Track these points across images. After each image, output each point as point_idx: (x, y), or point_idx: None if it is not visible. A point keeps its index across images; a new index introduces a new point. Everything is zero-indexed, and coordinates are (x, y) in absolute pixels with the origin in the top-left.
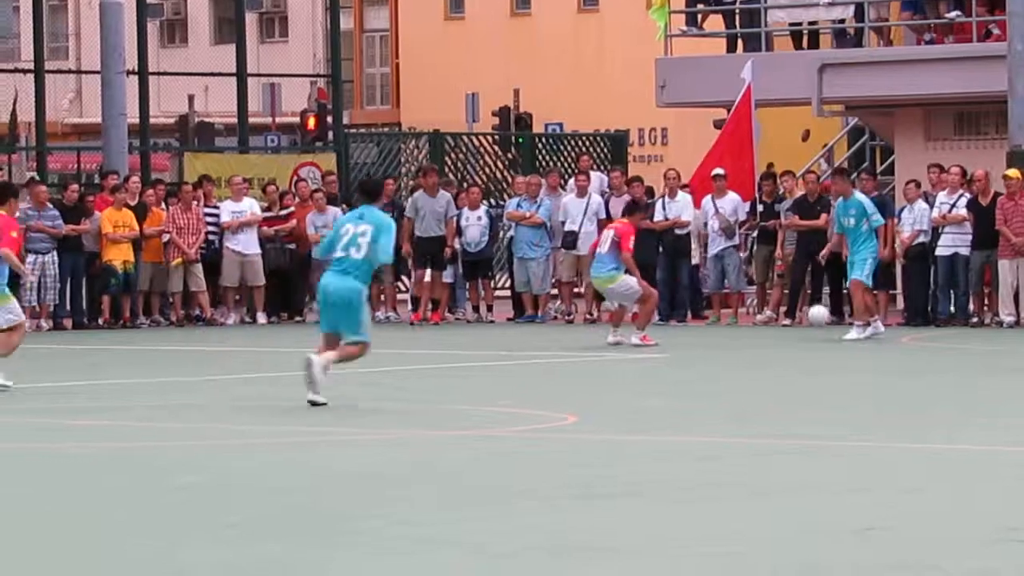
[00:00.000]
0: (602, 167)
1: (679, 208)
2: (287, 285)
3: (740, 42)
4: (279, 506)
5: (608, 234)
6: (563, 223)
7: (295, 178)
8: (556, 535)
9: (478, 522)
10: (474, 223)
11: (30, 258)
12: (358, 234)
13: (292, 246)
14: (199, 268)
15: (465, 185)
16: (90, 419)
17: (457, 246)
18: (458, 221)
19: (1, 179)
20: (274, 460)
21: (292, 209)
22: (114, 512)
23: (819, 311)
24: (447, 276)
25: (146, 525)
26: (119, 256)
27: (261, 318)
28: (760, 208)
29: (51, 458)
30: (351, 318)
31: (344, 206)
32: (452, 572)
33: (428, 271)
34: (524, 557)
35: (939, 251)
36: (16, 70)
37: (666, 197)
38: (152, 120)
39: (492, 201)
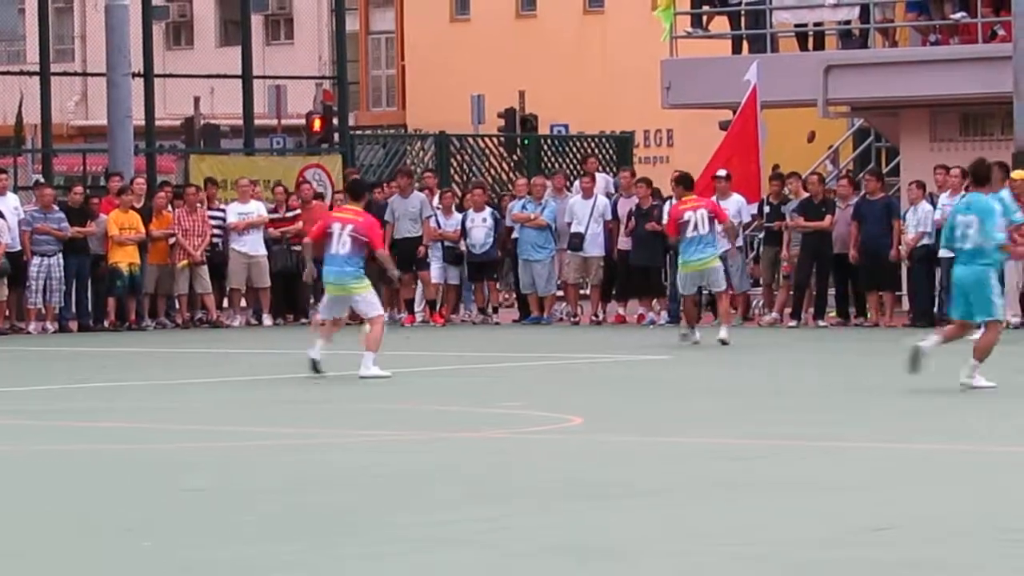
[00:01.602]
0: (608, 169)
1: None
2: (292, 287)
3: (745, 43)
4: (290, 507)
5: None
6: (569, 224)
7: (300, 180)
8: (566, 535)
9: (487, 522)
10: (479, 225)
11: (36, 260)
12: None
13: (298, 248)
14: (205, 270)
15: (470, 187)
16: (97, 421)
17: (462, 247)
18: (463, 223)
19: None
20: (285, 461)
21: (299, 211)
22: (125, 513)
23: None
24: (453, 278)
25: (157, 526)
26: (125, 258)
27: (267, 320)
28: (766, 209)
29: (60, 460)
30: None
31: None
32: (463, 572)
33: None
34: (532, 557)
35: (943, 253)
36: (22, 72)
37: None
38: (158, 122)
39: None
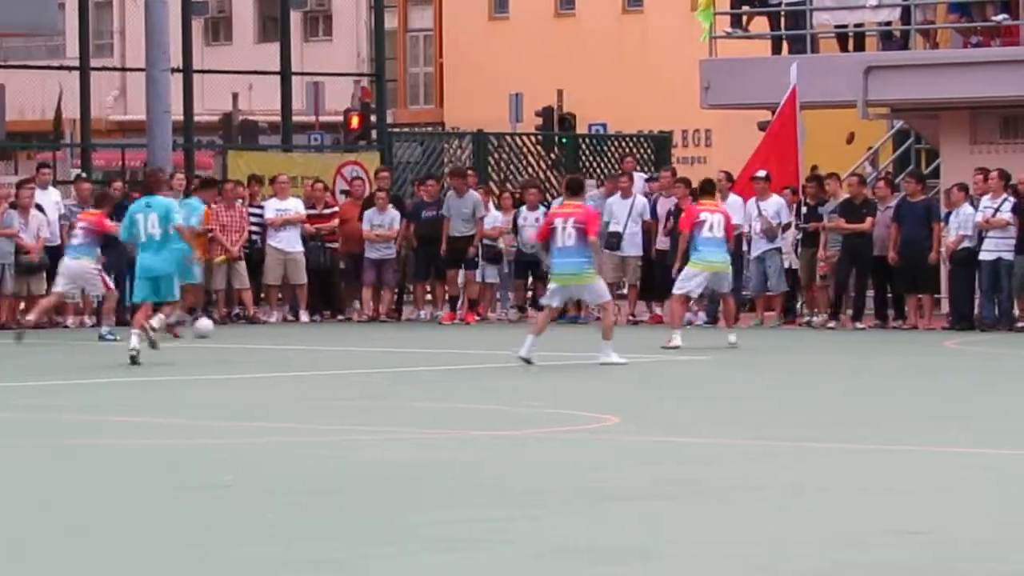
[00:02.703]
0: (646, 168)
1: (729, 211)
2: (328, 284)
3: (785, 44)
4: (314, 505)
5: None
6: (607, 224)
7: (341, 177)
8: (590, 536)
9: (512, 522)
10: (531, 224)
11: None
12: None
13: (334, 245)
14: (242, 266)
15: (508, 185)
16: (131, 416)
17: (501, 245)
18: (515, 221)
19: None
20: (310, 459)
21: (336, 208)
22: (153, 509)
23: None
24: (491, 276)
25: (184, 522)
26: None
27: (304, 316)
28: (804, 210)
29: (91, 454)
30: None
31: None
32: (485, 572)
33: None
34: (556, 558)
35: (983, 255)
36: (62, 67)
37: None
38: (196, 118)
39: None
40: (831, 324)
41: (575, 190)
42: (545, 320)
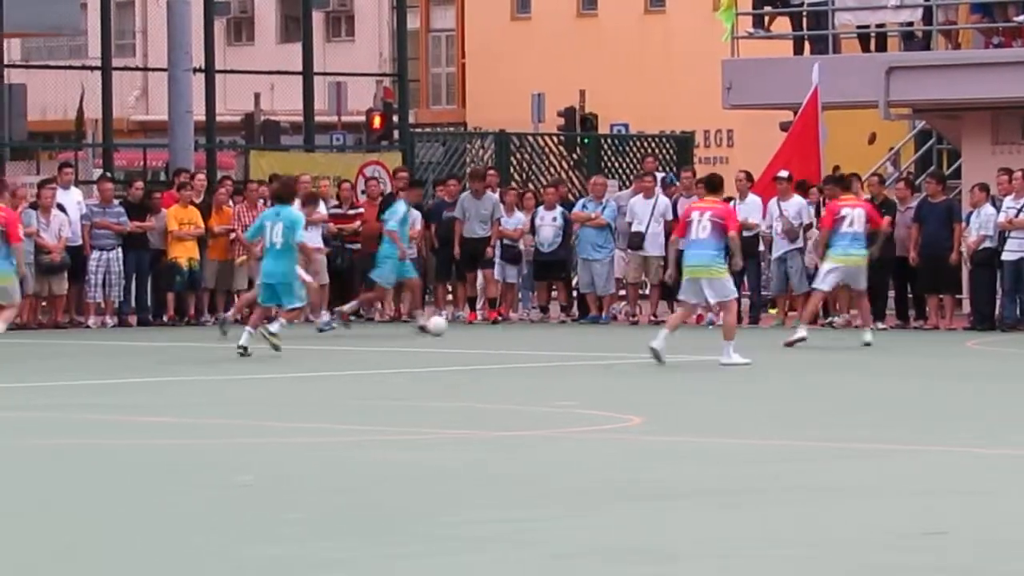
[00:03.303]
0: (668, 168)
1: (748, 210)
2: (346, 285)
3: (807, 44)
4: (336, 505)
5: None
6: (629, 224)
7: (363, 177)
8: (613, 536)
9: (535, 522)
10: (548, 223)
11: (95, 254)
12: None
13: (356, 246)
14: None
15: (531, 185)
16: (153, 416)
17: (522, 245)
18: (532, 220)
19: None
20: (332, 459)
21: (362, 210)
22: (174, 508)
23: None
24: (511, 276)
25: (206, 521)
26: (184, 253)
27: (324, 316)
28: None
29: (114, 454)
30: None
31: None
32: (507, 572)
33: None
34: (579, 559)
35: (1005, 255)
36: (83, 67)
37: (736, 199)
38: (218, 118)
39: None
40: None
41: (714, 187)
42: (681, 316)
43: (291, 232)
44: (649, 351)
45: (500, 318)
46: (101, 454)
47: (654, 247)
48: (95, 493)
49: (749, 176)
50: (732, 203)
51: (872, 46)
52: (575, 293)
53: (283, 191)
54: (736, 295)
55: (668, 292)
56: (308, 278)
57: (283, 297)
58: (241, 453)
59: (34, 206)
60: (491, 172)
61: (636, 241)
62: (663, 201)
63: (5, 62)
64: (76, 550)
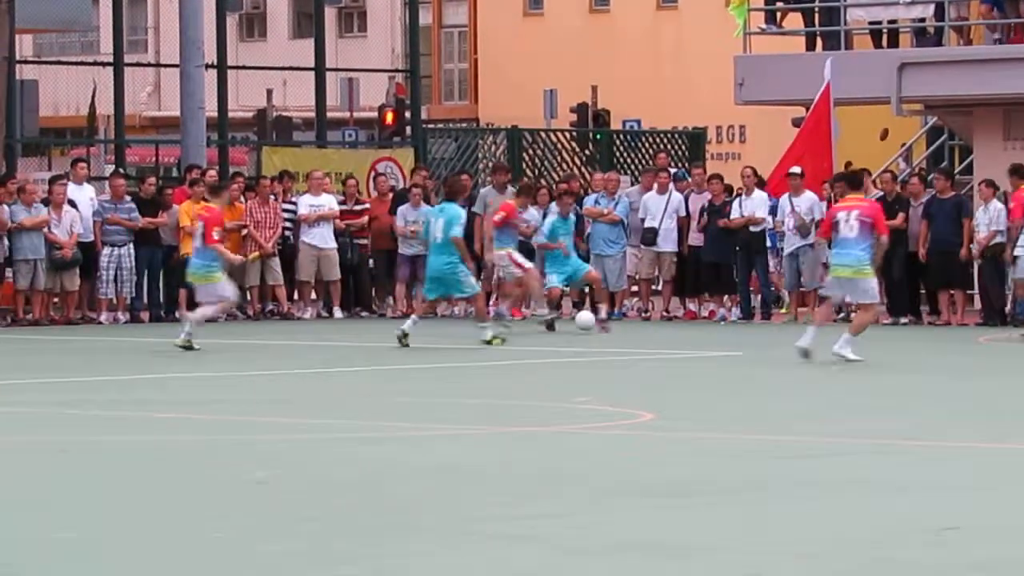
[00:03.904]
0: (680, 164)
1: (755, 205)
2: (358, 281)
3: (819, 40)
4: (354, 500)
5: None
6: (642, 220)
7: (373, 173)
8: (628, 532)
9: (550, 518)
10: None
11: (106, 250)
12: None
13: (364, 241)
14: (276, 262)
15: (543, 181)
16: (168, 412)
17: (535, 243)
18: (545, 216)
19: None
20: (350, 454)
21: (368, 205)
22: (190, 505)
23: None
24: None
25: (224, 518)
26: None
27: (337, 312)
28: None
29: (126, 451)
30: None
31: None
32: (523, 568)
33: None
34: (594, 555)
35: (1017, 251)
36: (95, 63)
37: (743, 195)
38: (230, 114)
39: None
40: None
41: (856, 184)
42: (826, 312)
43: (449, 228)
44: (797, 351)
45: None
46: (113, 450)
47: (667, 243)
48: (107, 489)
49: (755, 172)
50: (739, 199)
51: (884, 42)
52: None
53: (450, 189)
54: (878, 300)
55: (680, 288)
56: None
57: (452, 288)
58: (256, 449)
59: (46, 202)
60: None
61: (649, 237)
62: (676, 197)
63: (17, 58)
64: (88, 546)
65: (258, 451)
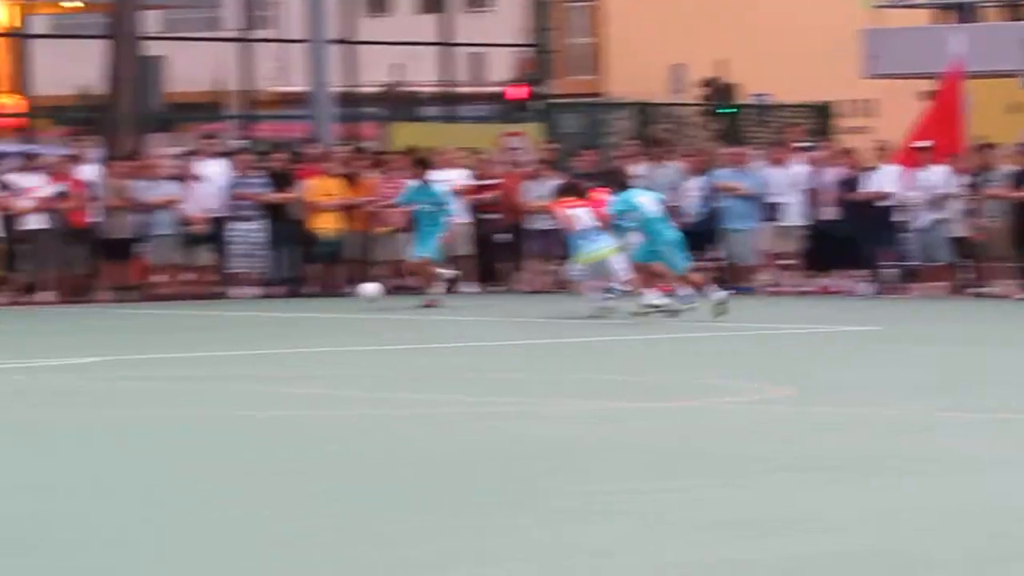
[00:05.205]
0: (808, 138)
1: (884, 179)
2: (487, 255)
3: (949, 13)
4: (479, 475)
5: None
6: (771, 195)
7: (501, 148)
8: (758, 508)
9: (675, 492)
10: (693, 192)
11: (237, 225)
12: None
13: (495, 216)
14: (406, 237)
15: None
16: (297, 387)
17: None
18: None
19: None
20: (479, 429)
21: (499, 180)
22: (298, 479)
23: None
24: None
25: (329, 493)
26: (326, 224)
27: (469, 287)
28: (968, 180)
29: (253, 425)
30: None
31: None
32: (651, 542)
33: None
34: (723, 530)
35: None
36: (224, 39)
37: (873, 169)
38: (358, 89)
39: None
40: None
41: None
42: None
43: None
44: None
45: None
46: (240, 424)
47: (796, 217)
48: (228, 463)
49: (887, 146)
50: (869, 173)
51: (1016, 15)
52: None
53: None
54: None
55: (812, 263)
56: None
57: (675, 261)
58: (371, 424)
59: (176, 178)
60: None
61: (777, 211)
62: (804, 171)
63: (145, 34)
64: (206, 520)
65: (370, 427)
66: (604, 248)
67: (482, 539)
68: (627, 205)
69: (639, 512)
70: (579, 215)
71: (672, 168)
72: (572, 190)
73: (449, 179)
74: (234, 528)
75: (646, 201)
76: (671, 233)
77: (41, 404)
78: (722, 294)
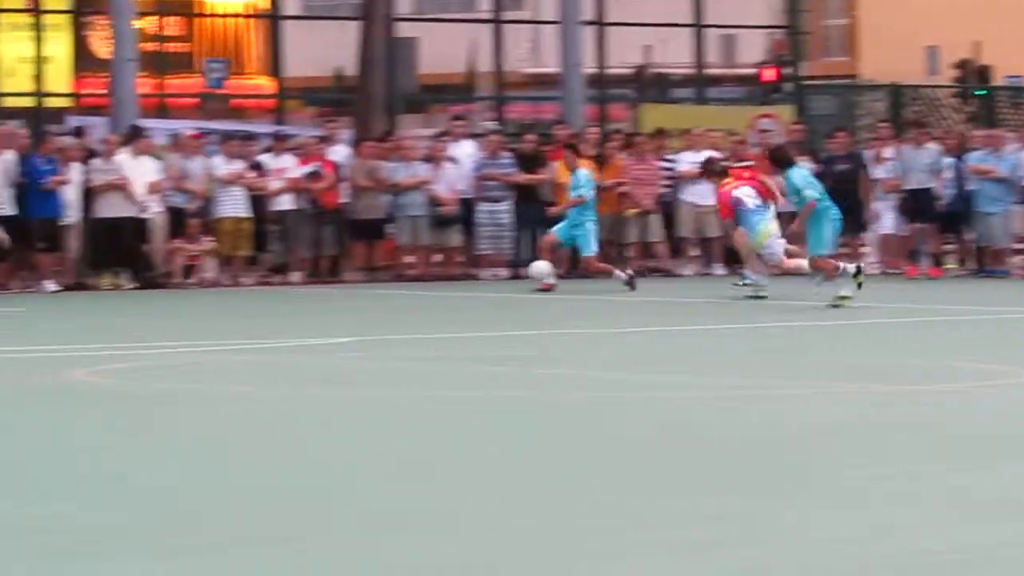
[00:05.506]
0: None
1: None
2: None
3: None
4: (738, 458)
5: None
6: (1021, 178)
7: (753, 129)
8: (1008, 492)
9: (932, 478)
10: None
11: (484, 206)
12: None
13: None
14: (656, 219)
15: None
16: (544, 368)
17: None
18: None
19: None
20: (726, 412)
21: (751, 163)
22: (574, 461)
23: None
24: (904, 229)
25: (600, 475)
26: None
27: (718, 270)
28: None
29: (502, 407)
30: None
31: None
32: (906, 530)
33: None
34: (987, 507)
35: None
36: (475, 20)
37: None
38: (609, 71)
39: None
40: None
41: None
42: None
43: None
44: None
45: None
46: (492, 406)
47: None
48: (494, 445)
49: None
50: None
51: None
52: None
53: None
54: None
55: None
56: None
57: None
58: (642, 406)
59: (427, 159)
60: (884, 125)
61: None
62: None
63: (398, 15)
64: (470, 502)
65: (640, 408)
66: (772, 226)
67: (753, 521)
68: (805, 182)
69: (899, 494)
70: (746, 193)
71: (932, 150)
72: (715, 168)
73: (699, 161)
74: (512, 508)
75: (813, 181)
76: (836, 214)
77: (302, 384)
78: (846, 291)
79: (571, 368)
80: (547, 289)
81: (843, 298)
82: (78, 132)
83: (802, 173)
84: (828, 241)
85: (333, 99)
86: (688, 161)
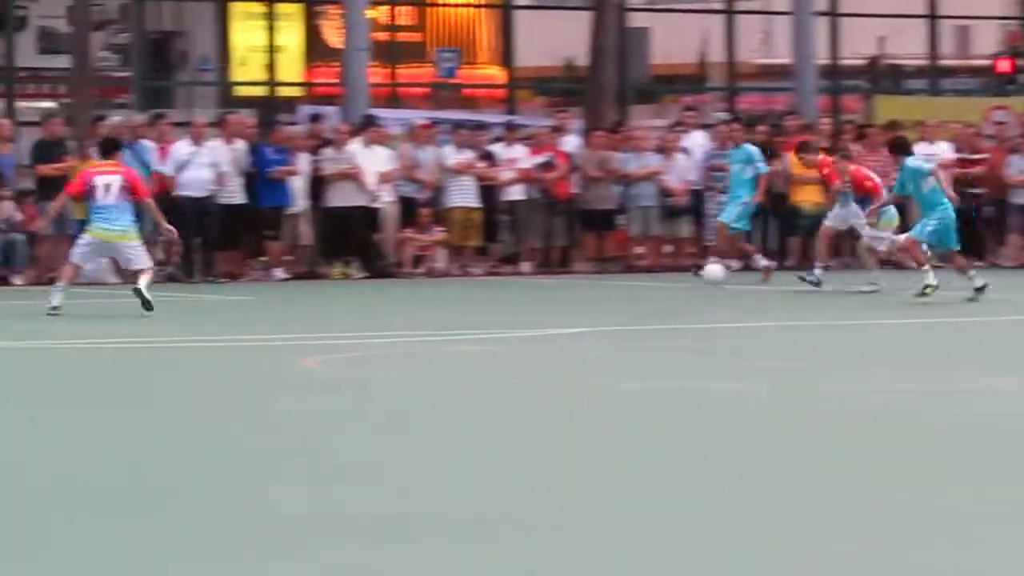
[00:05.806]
0: None
1: None
2: (968, 230)
3: None
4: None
5: None
6: None
7: (990, 121)
8: None
9: None
10: None
11: (714, 197)
12: None
13: (979, 190)
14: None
15: None
16: (756, 360)
17: None
18: None
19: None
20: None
21: (986, 155)
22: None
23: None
24: None
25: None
26: (807, 197)
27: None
28: None
29: (703, 399)
30: None
31: None
32: None
33: None
34: None
35: None
36: (707, 11)
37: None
38: (842, 62)
39: None
40: None
41: None
42: None
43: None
44: None
45: None
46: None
47: None
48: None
49: None
50: None
51: None
52: None
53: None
54: None
55: None
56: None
57: (947, 240)
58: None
59: (658, 149)
60: None
61: None
62: None
63: (630, 5)
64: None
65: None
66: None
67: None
68: (923, 171)
69: None
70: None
71: None
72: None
73: (934, 153)
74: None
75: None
76: (947, 213)
77: (539, 373)
78: (931, 280)
79: (771, 359)
80: (765, 276)
81: (930, 287)
82: (315, 119)
83: (917, 163)
84: (927, 234)
85: (564, 89)
86: (923, 153)
